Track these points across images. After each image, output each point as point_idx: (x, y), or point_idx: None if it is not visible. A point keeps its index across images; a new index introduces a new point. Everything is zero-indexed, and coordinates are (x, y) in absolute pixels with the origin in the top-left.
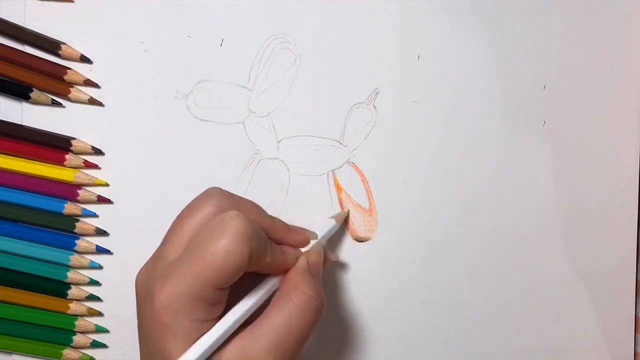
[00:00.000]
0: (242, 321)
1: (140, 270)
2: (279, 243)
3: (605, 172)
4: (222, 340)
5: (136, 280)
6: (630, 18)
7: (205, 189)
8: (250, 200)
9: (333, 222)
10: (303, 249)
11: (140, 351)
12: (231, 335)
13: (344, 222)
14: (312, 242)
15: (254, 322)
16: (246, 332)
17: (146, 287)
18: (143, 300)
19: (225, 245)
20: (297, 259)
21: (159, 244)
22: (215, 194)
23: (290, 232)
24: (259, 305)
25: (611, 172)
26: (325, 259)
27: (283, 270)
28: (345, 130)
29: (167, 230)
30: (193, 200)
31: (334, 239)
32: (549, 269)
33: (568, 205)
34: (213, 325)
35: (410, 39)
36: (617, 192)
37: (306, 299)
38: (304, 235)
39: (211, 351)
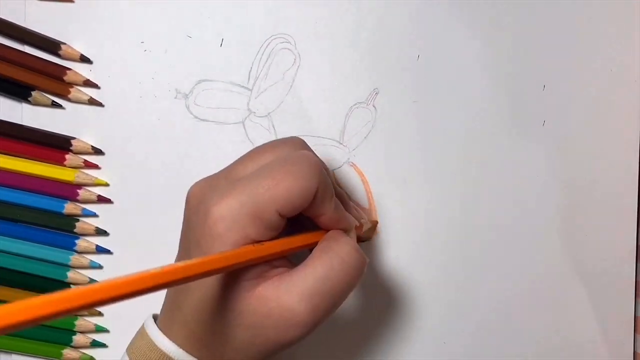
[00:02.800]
0: (290, 250)
1: (197, 183)
2: None
3: (605, 172)
4: (260, 259)
5: (189, 192)
6: (630, 18)
7: None
8: (326, 164)
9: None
10: None
11: (179, 256)
12: (271, 273)
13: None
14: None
15: (295, 269)
16: (287, 275)
17: (201, 197)
18: (194, 209)
19: (296, 171)
20: (354, 224)
21: (159, 244)
22: (299, 141)
23: (351, 208)
24: (308, 243)
25: (611, 172)
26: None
27: (340, 228)
28: (345, 130)
29: (167, 230)
30: (275, 140)
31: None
32: (549, 269)
33: (568, 205)
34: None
35: (410, 39)
36: (617, 192)
37: (348, 250)
38: (359, 213)
39: (246, 259)
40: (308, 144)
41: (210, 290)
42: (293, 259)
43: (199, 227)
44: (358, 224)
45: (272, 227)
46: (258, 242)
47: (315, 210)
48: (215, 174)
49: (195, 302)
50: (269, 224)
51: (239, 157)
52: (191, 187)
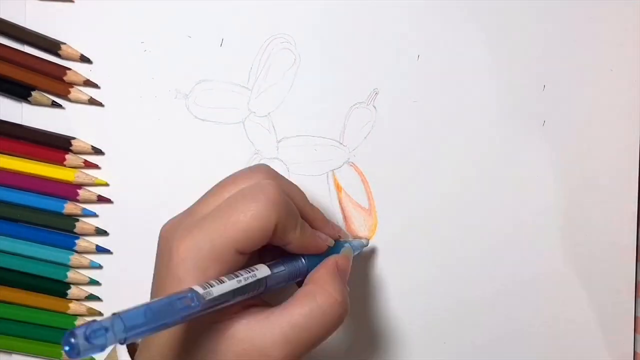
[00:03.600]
0: (256, 291)
1: (167, 223)
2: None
3: (605, 172)
4: (229, 300)
5: (160, 232)
6: (630, 18)
7: (205, 189)
8: (295, 184)
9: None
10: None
11: (151, 298)
12: (243, 312)
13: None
14: (345, 245)
15: (271, 310)
16: (262, 316)
17: (167, 237)
18: (162, 249)
19: (252, 208)
20: (327, 245)
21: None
22: (263, 170)
23: (327, 225)
24: (276, 281)
25: (611, 172)
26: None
27: (312, 252)
28: (345, 130)
29: None
30: (240, 170)
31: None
32: (549, 269)
33: (568, 205)
34: None
35: (410, 39)
36: (617, 192)
37: (331, 301)
38: (339, 232)
39: (217, 305)
40: (274, 170)
41: (179, 330)
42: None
43: (164, 268)
44: (332, 244)
45: (233, 266)
46: None
47: (279, 242)
48: (182, 213)
49: (164, 341)
50: (229, 263)
51: (233, 172)
52: (163, 226)
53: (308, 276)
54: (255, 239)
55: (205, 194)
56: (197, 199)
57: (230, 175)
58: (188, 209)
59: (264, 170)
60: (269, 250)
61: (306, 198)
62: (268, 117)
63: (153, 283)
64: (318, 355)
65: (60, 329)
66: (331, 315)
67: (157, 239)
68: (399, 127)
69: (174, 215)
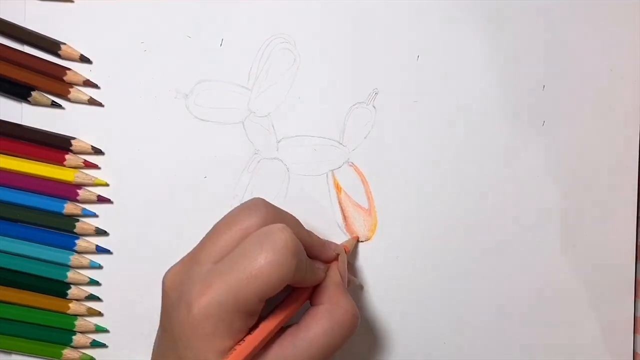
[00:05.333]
0: (274, 333)
1: (170, 271)
2: (312, 258)
3: (605, 172)
4: (259, 348)
5: (165, 281)
6: (630, 18)
7: (205, 189)
8: (291, 215)
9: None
10: None
11: (165, 350)
12: (268, 342)
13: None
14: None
15: (293, 333)
16: (287, 342)
17: (179, 289)
18: (175, 302)
19: (274, 259)
20: (325, 273)
21: (159, 244)
22: (260, 205)
23: (325, 248)
24: (290, 316)
25: (611, 172)
26: (348, 280)
27: (312, 284)
28: (344, 130)
29: (167, 229)
30: (236, 209)
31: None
32: (549, 269)
33: (568, 205)
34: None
35: (410, 39)
36: (617, 192)
37: (348, 317)
38: (335, 252)
39: (247, 355)
40: (271, 204)
41: None
42: None
43: (184, 324)
44: (325, 272)
45: (256, 313)
46: (244, 330)
47: (291, 283)
48: (186, 259)
49: None
50: (252, 312)
51: (219, 217)
52: (166, 274)
53: (318, 292)
54: (276, 288)
55: (206, 237)
56: (196, 199)
57: (228, 215)
58: (191, 255)
59: (262, 208)
60: None
61: (302, 225)
62: (268, 117)
63: (166, 330)
64: None
65: (60, 329)
66: (349, 327)
67: (157, 239)
68: (399, 127)
69: (173, 216)
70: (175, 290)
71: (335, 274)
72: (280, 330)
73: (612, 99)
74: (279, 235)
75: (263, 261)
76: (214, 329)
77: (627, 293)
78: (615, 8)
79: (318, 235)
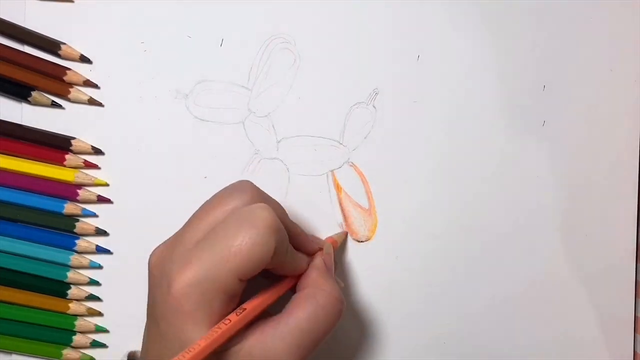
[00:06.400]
0: (257, 314)
1: (155, 251)
2: (295, 248)
3: (605, 172)
4: (240, 327)
5: (150, 261)
6: (630, 18)
7: (205, 189)
8: (277, 201)
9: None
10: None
11: (148, 331)
12: (250, 327)
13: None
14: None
15: (276, 319)
16: (269, 327)
17: (161, 268)
18: (157, 282)
19: (254, 236)
20: (307, 264)
21: (158, 244)
22: (246, 188)
23: (308, 240)
24: (274, 299)
25: (611, 172)
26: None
27: (296, 274)
28: (344, 130)
29: (167, 229)
30: (222, 191)
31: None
32: (549, 268)
33: (568, 205)
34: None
35: (410, 39)
36: (617, 192)
37: (332, 300)
38: (317, 245)
39: (228, 337)
40: (257, 187)
41: None
42: None
43: (165, 303)
44: (305, 266)
45: (237, 293)
46: (226, 310)
47: (272, 265)
48: (171, 239)
49: None
50: (233, 292)
51: (209, 196)
52: (151, 255)
53: (301, 279)
54: (256, 266)
55: (192, 217)
56: (196, 199)
57: (214, 196)
58: (176, 235)
59: (248, 190)
60: None
61: (287, 214)
62: (268, 117)
63: (150, 310)
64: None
65: (60, 329)
66: (333, 313)
67: (157, 239)
68: (399, 127)
69: (173, 216)
70: (158, 269)
71: (319, 261)
72: (264, 317)
73: (612, 99)
74: (260, 213)
75: (242, 239)
76: (194, 307)
77: (627, 293)
78: (615, 8)
79: (319, 236)
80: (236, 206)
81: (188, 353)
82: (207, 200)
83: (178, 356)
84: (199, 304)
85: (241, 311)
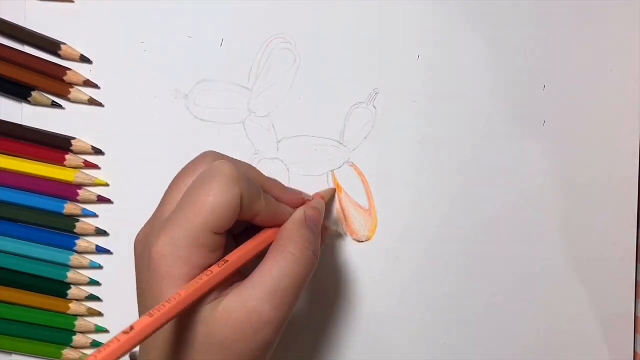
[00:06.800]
0: (238, 266)
1: (139, 232)
2: (279, 200)
3: (605, 172)
4: (217, 282)
5: (135, 242)
6: (630, 18)
7: None
8: (247, 163)
9: (331, 190)
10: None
11: (138, 307)
12: (228, 285)
13: (344, 222)
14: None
15: (252, 275)
16: (245, 284)
17: (143, 244)
18: (140, 256)
19: (214, 187)
20: (287, 214)
21: None
22: (210, 154)
23: (287, 192)
24: (255, 252)
25: (611, 172)
26: (325, 227)
27: (278, 223)
28: (344, 130)
29: None
30: (189, 163)
31: (335, 239)
32: (549, 268)
33: (568, 205)
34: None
35: (410, 39)
36: (617, 192)
37: (300, 247)
38: (300, 196)
39: (205, 291)
40: (219, 153)
41: (173, 325)
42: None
43: (146, 271)
44: (287, 214)
45: (215, 248)
46: (206, 266)
47: (246, 215)
48: (152, 217)
49: (161, 342)
50: (209, 246)
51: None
52: (135, 238)
53: (279, 231)
54: (225, 215)
55: (164, 194)
56: None
57: (180, 171)
58: (154, 213)
59: (211, 154)
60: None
61: (261, 172)
62: (268, 117)
63: (137, 286)
64: (323, 353)
65: (60, 329)
66: (304, 260)
67: None
68: (399, 127)
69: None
70: (141, 245)
71: (298, 213)
72: (243, 277)
73: (612, 99)
74: (220, 167)
75: (206, 193)
76: (171, 266)
77: (627, 293)
78: (615, 8)
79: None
80: (203, 171)
81: (169, 302)
82: (175, 176)
83: (158, 306)
84: (177, 263)
85: (223, 263)
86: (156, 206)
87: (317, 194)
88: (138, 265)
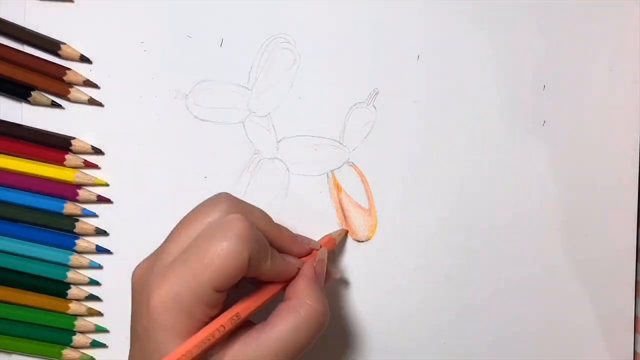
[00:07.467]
0: (242, 322)
1: (137, 267)
2: (283, 252)
3: (605, 172)
4: (221, 337)
5: (132, 277)
6: (630, 18)
7: (205, 189)
8: (258, 208)
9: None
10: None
11: (131, 347)
12: (232, 336)
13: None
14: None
15: (258, 329)
16: (250, 338)
17: (142, 283)
18: (138, 297)
19: (225, 247)
20: (298, 268)
21: (159, 244)
22: (223, 199)
23: (296, 243)
24: (264, 303)
25: (611, 172)
26: (328, 273)
27: (284, 279)
28: (344, 130)
29: (167, 229)
30: (201, 204)
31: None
32: (549, 268)
33: (568, 205)
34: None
35: (410, 39)
36: (617, 192)
37: (313, 312)
38: (309, 247)
39: (207, 346)
40: (235, 198)
41: None
42: None
43: (145, 317)
44: (301, 265)
45: (215, 305)
46: (206, 322)
47: (251, 274)
48: (151, 256)
49: None
50: (210, 303)
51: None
52: (134, 271)
53: (289, 287)
54: (230, 277)
55: (171, 233)
56: (196, 199)
57: (191, 211)
58: (156, 251)
59: (226, 201)
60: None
61: (271, 219)
62: (268, 117)
63: (133, 329)
64: (323, 353)
65: (60, 329)
66: (315, 326)
67: (157, 239)
68: (399, 127)
69: (173, 216)
70: (139, 285)
71: (308, 269)
72: (247, 327)
73: (612, 99)
74: (232, 224)
75: (214, 250)
76: (174, 320)
77: (627, 293)
78: (615, 8)
79: (318, 236)
80: (215, 218)
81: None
82: (186, 215)
83: (169, 355)
84: (178, 317)
85: (237, 318)
86: (156, 206)
87: (326, 237)
88: (135, 307)
